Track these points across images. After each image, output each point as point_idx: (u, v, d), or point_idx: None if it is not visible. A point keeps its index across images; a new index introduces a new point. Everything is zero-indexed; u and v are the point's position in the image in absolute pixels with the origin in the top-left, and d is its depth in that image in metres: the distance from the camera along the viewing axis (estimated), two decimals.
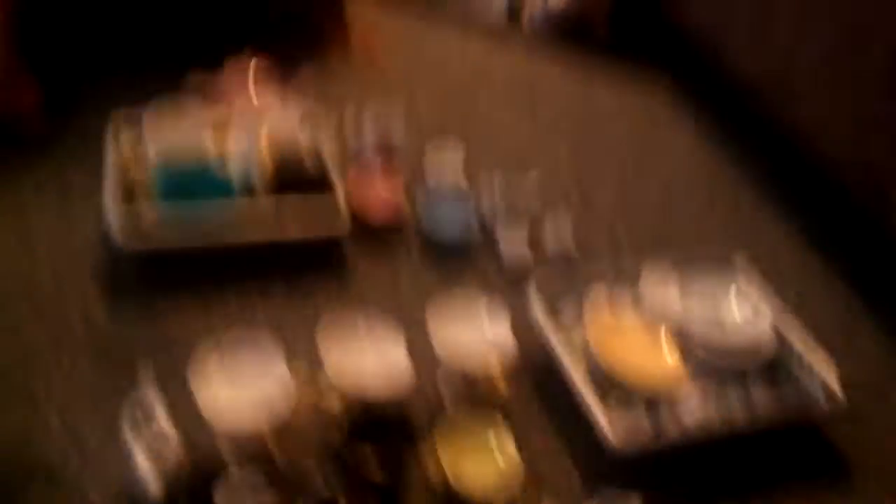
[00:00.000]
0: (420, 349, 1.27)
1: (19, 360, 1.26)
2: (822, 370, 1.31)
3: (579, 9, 2.26)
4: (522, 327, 1.33)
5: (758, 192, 1.84)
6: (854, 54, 1.53)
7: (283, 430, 1.15)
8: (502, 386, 1.29)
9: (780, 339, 1.35)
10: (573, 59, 2.22)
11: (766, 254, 1.65)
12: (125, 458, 1.08)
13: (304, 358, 1.23)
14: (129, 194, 1.46)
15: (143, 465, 1.06)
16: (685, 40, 2.10)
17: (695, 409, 1.26)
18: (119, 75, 1.81)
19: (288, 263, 1.48)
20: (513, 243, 1.56)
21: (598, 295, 1.39)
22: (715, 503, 1.22)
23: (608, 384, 1.26)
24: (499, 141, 1.88)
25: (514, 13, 2.39)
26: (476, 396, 1.28)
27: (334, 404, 1.18)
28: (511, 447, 1.18)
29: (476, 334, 1.26)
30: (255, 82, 1.64)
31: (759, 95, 1.85)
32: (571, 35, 2.28)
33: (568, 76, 2.17)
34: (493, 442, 1.19)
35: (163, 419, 1.11)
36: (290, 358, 1.17)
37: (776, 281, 1.52)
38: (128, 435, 1.08)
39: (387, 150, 1.69)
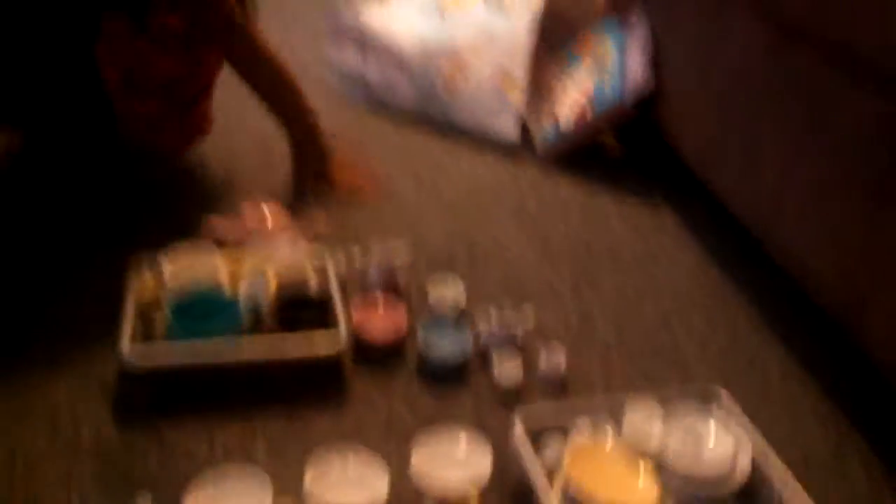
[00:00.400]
0: (404, 480, 1.36)
1: (35, 485, 1.36)
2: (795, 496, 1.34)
3: (591, 132, 2.36)
4: (506, 453, 1.40)
5: (756, 319, 1.89)
6: (838, 190, 1.60)
7: None
8: None
9: (757, 471, 1.39)
10: (581, 184, 2.33)
11: (759, 382, 1.71)
12: None
13: (296, 485, 1.31)
14: (145, 326, 1.61)
15: None
16: (685, 167, 2.18)
17: None
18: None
19: (290, 389, 1.57)
20: (506, 369, 1.63)
21: (582, 426, 1.45)
22: None
23: None
24: (502, 270, 1.97)
25: (526, 135, 2.49)
26: None
27: None
28: None
29: (457, 465, 1.34)
30: (267, 225, 1.77)
31: (750, 224, 1.92)
32: (583, 155, 2.39)
33: (575, 201, 2.26)
34: None
35: None
36: (278, 492, 1.25)
37: (765, 411, 1.58)
38: None
39: (391, 282, 1.80)
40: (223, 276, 1.67)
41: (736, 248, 2.11)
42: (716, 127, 2.00)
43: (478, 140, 2.49)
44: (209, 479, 1.25)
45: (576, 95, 2.41)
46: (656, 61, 2.23)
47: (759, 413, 1.58)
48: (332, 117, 2.27)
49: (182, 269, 1.65)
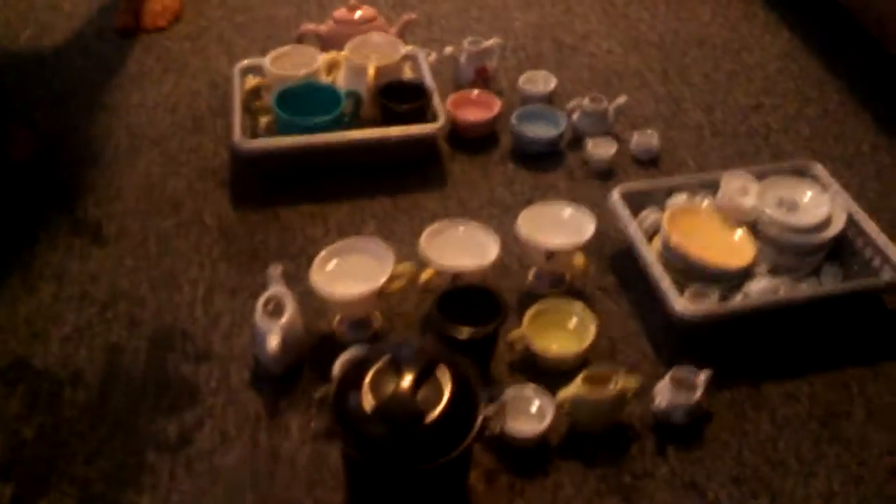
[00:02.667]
0: (513, 246, 1.44)
1: (170, 260, 1.48)
2: (887, 248, 1.38)
3: None
4: (604, 221, 1.47)
5: (845, 96, 1.89)
6: None
7: (388, 310, 1.34)
8: (583, 272, 1.43)
9: (850, 222, 1.43)
10: None
11: (851, 155, 1.73)
12: (258, 339, 1.27)
13: (410, 257, 1.40)
14: (252, 121, 1.68)
15: (274, 345, 1.24)
16: None
17: (763, 285, 1.35)
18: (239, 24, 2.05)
19: (394, 173, 1.65)
20: (599, 148, 1.67)
21: (678, 198, 1.50)
22: (783, 375, 1.33)
23: (681, 263, 1.37)
24: (590, 62, 1.98)
25: None
26: (559, 282, 1.43)
27: (432, 282, 1.35)
28: (591, 327, 1.32)
29: (562, 229, 1.40)
30: (362, 27, 1.79)
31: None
32: None
33: None
34: (574, 320, 1.34)
35: (291, 309, 1.29)
36: (399, 257, 1.34)
37: (856, 180, 1.61)
38: (261, 321, 1.26)
39: (483, 76, 1.83)
40: (322, 69, 1.72)
41: (826, 31, 2.08)
42: None
43: None
44: (332, 251, 1.34)
45: None
46: None
47: (851, 183, 1.61)
48: None
49: (283, 65, 1.70)
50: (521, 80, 1.83)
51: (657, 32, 2.09)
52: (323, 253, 1.34)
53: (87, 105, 1.81)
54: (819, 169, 1.53)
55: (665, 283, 1.33)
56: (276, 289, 1.31)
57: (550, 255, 1.38)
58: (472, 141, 1.73)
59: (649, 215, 1.48)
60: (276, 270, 1.33)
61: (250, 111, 1.70)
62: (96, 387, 1.28)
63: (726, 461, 1.22)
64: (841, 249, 1.45)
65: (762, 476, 1.20)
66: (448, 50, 1.85)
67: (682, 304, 1.30)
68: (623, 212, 1.45)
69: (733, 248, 1.41)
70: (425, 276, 1.35)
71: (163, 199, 1.59)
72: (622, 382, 1.21)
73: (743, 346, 1.36)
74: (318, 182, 1.63)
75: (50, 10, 2.10)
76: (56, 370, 1.30)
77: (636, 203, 1.49)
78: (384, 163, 1.66)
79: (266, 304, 1.28)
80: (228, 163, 1.67)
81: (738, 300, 1.35)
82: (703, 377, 1.24)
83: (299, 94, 1.64)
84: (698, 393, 1.23)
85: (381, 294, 1.31)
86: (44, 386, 1.28)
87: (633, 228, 1.42)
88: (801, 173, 1.53)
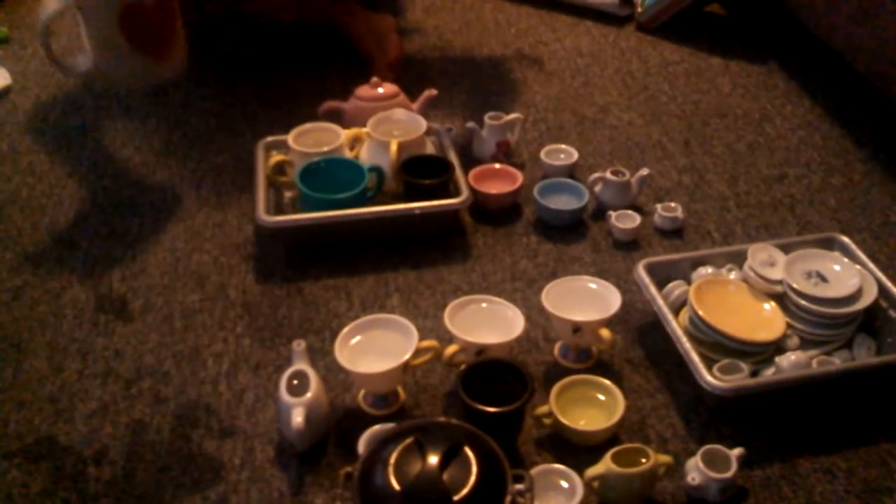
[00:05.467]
0: (538, 318, 1.43)
1: (194, 335, 1.47)
2: None
3: None
4: (629, 296, 1.46)
5: (871, 166, 1.88)
6: None
7: (413, 387, 1.33)
8: (609, 348, 1.41)
9: (881, 293, 1.42)
10: (685, 48, 2.32)
11: (878, 226, 1.71)
12: (283, 416, 1.26)
13: (433, 332, 1.40)
14: (276, 196, 1.71)
15: (299, 421, 1.23)
16: (795, 16, 2.14)
17: (795, 359, 1.33)
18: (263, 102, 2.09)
19: (418, 247, 1.65)
20: (623, 221, 1.67)
21: (703, 271, 1.49)
22: (818, 450, 1.30)
23: (709, 337, 1.35)
24: (611, 135, 1.99)
25: (628, 6, 2.47)
26: (586, 358, 1.42)
27: (457, 357, 1.34)
28: (618, 405, 1.29)
29: (587, 303, 1.40)
30: (384, 103, 1.82)
31: (863, 70, 1.88)
32: (686, 21, 2.37)
33: (680, 64, 2.25)
34: (602, 394, 1.32)
35: (315, 385, 1.28)
36: (422, 333, 1.33)
37: (884, 253, 1.60)
38: (286, 397, 1.25)
39: (505, 150, 1.84)
40: (345, 145, 1.74)
41: (848, 100, 2.09)
42: None
43: (579, 12, 2.48)
44: (356, 327, 1.33)
45: None
46: None
47: (879, 254, 1.60)
48: None
49: (306, 142, 1.73)
50: (543, 153, 1.84)
51: (678, 104, 2.11)
52: (347, 328, 1.34)
53: (112, 181, 1.83)
54: (845, 241, 1.52)
55: (694, 357, 1.32)
56: (301, 365, 1.30)
57: (577, 328, 1.37)
58: (495, 214, 1.74)
59: (675, 288, 1.47)
60: (299, 346, 1.33)
61: (274, 186, 1.72)
62: (121, 463, 1.27)
63: None
64: (873, 321, 1.43)
65: None
66: (469, 124, 1.87)
67: (711, 378, 1.28)
68: (649, 285, 1.44)
69: (763, 321, 1.39)
70: (450, 351, 1.34)
71: (188, 273, 1.60)
72: (653, 459, 1.18)
73: (776, 421, 1.33)
74: (341, 256, 1.63)
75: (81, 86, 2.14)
76: (81, 447, 1.29)
77: (661, 274, 1.48)
78: (408, 236, 1.67)
79: (290, 380, 1.27)
80: (252, 237, 1.68)
81: (769, 374, 1.33)
82: (736, 454, 1.22)
83: (323, 170, 1.66)
84: (732, 470, 1.20)
85: (405, 369, 1.31)
86: (68, 462, 1.27)
87: (660, 303, 1.41)
88: (828, 245, 1.52)
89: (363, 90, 1.87)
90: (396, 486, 1.03)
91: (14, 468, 1.26)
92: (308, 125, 1.77)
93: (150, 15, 1.71)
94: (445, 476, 1.03)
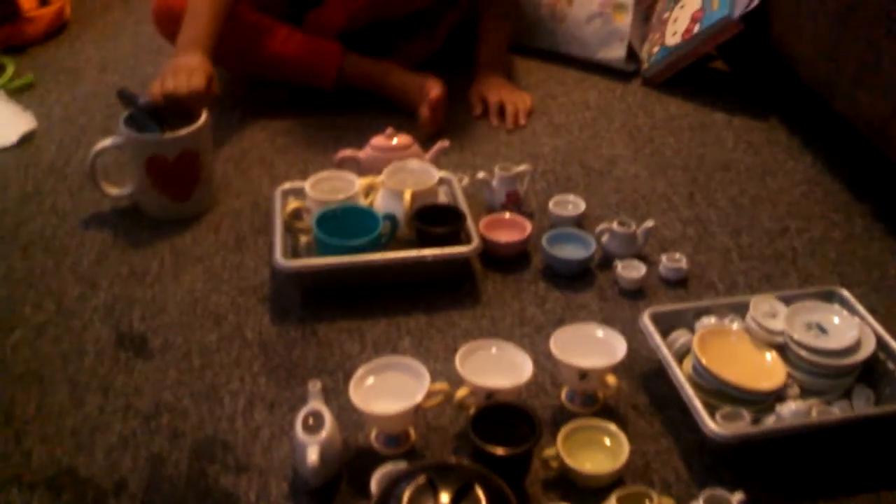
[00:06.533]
0: (545, 363, 1.48)
1: (212, 373, 1.52)
2: None
3: (699, 46, 2.39)
4: (634, 343, 1.51)
5: (871, 224, 1.93)
6: None
7: (423, 428, 1.37)
8: (615, 393, 1.45)
9: (879, 346, 1.46)
10: (690, 102, 2.38)
11: (877, 281, 1.76)
12: (298, 453, 1.29)
13: (444, 376, 1.44)
14: (293, 241, 1.77)
15: (314, 458, 1.27)
16: (796, 79, 2.21)
17: (795, 408, 1.37)
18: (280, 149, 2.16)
19: (429, 293, 1.70)
20: (629, 270, 1.72)
21: (707, 320, 1.53)
22: (817, 497, 1.33)
23: (712, 385, 1.39)
24: (618, 186, 2.05)
25: (634, 61, 2.54)
26: (592, 402, 1.46)
27: (467, 400, 1.38)
28: (623, 448, 1.33)
29: (593, 350, 1.44)
30: (398, 153, 1.88)
31: (865, 130, 1.94)
32: (692, 76, 2.44)
33: (685, 118, 2.32)
34: (608, 439, 1.36)
35: (329, 424, 1.32)
36: (433, 376, 1.38)
37: (885, 308, 1.64)
38: (301, 435, 1.29)
39: (515, 200, 1.90)
40: (360, 193, 1.79)
41: (849, 156, 2.15)
42: (831, 33, 2.01)
43: (585, 67, 2.56)
44: (370, 369, 1.38)
45: (685, 21, 2.44)
46: None
47: (878, 307, 1.64)
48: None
49: (322, 189, 1.78)
50: (552, 203, 1.90)
51: (682, 157, 2.17)
52: (361, 370, 1.38)
53: (133, 222, 1.89)
54: (845, 294, 1.57)
55: (697, 403, 1.36)
56: (316, 404, 1.34)
57: (583, 374, 1.41)
58: (505, 261, 1.79)
59: (679, 337, 1.51)
60: (315, 386, 1.37)
61: (291, 231, 1.77)
62: (140, 496, 1.31)
63: None
64: (872, 373, 1.47)
65: None
66: (480, 175, 1.93)
67: (714, 425, 1.32)
68: (654, 334, 1.49)
69: (764, 371, 1.43)
70: (460, 394, 1.38)
71: (206, 314, 1.65)
72: (656, 502, 1.22)
73: (776, 468, 1.37)
74: (355, 300, 1.68)
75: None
76: (101, 479, 1.33)
77: (666, 323, 1.53)
78: (419, 282, 1.72)
79: (306, 418, 1.31)
80: (269, 280, 1.73)
81: (770, 422, 1.37)
82: (737, 499, 1.25)
83: (338, 217, 1.71)
84: None
85: (417, 410, 1.35)
86: (89, 494, 1.31)
87: (664, 352, 1.45)
88: (828, 298, 1.57)
89: (378, 140, 1.93)
90: None
91: (36, 500, 1.30)
92: (324, 173, 1.83)
93: (173, 165, 1.85)
94: None
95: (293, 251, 1.75)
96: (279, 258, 1.65)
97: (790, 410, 1.37)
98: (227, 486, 1.32)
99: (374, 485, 1.27)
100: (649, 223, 1.81)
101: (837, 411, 1.40)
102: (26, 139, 2.20)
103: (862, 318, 1.51)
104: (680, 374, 1.41)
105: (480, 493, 1.10)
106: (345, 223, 1.70)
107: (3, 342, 1.58)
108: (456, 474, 1.14)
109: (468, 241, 1.73)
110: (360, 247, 1.66)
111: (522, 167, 1.93)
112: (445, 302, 1.69)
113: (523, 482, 1.32)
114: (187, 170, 1.88)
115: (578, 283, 1.74)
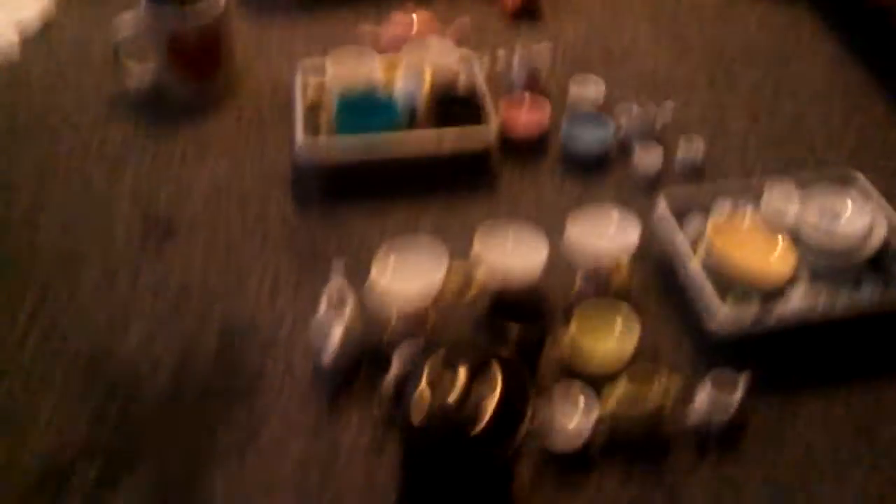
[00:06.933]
0: (560, 249, 1.51)
1: (237, 256, 1.57)
2: None
3: None
4: (650, 228, 1.54)
5: (891, 108, 1.92)
6: None
7: (442, 308, 1.42)
8: (628, 277, 1.49)
9: (891, 232, 1.48)
10: None
11: (895, 169, 1.76)
12: (321, 330, 1.35)
13: (462, 258, 1.48)
14: (313, 123, 1.76)
15: (337, 336, 1.32)
16: None
17: (803, 292, 1.40)
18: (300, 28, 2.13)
19: (447, 179, 1.72)
20: (646, 157, 1.73)
21: (722, 207, 1.55)
22: (821, 381, 1.38)
23: (723, 272, 1.43)
24: (639, 70, 2.03)
25: None
26: (605, 286, 1.49)
27: (484, 287, 1.42)
28: (635, 330, 1.38)
29: (608, 234, 1.47)
30: (418, 31, 1.87)
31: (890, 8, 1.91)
32: None
33: (709, 4, 2.28)
34: (619, 325, 1.41)
35: (351, 302, 1.37)
36: (452, 257, 1.41)
37: None
38: (324, 313, 1.35)
39: (534, 82, 1.89)
40: (381, 77, 1.79)
41: (874, 41, 2.11)
42: None
43: None
44: (392, 247, 1.41)
45: None
46: None
47: (894, 194, 1.65)
48: None
49: (344, 70, 1.79)
50: (572, 83, 1.89)
51: (705, 40, 2.14)
52: (382, 250, 1.42)
53: (156, 111, 1.91)
54: (861, 179, 1.58)
55: (707, 290, 1.39)
56: (339, 281, 1.39)
57: (597, 259, 1.44)
58: (523, 147, 1.80)
59: (693, 221, 1.54)
60: (338, 264, 1.41)
61: (313, 111, 1.77)
62: (174, 375, 1.37)
63: (763, 463, 1.28)
64: (882, 260, 1.49)
65: (799, 477, 1.26)
66: (500, 53, 1.91)
67: (723, 311, 1.36)
68: (669, 219, 1.51)
69: (776, 258, 1.46)
70: (479, 273, 1.42)
71: (230, 198, 1.68)
72: (665, 380, 1.27)
73: (782, 353, 1.41)
74: (375, 185, 1.71)
75: None
76: (138, 360, 1.40)
77: (681, 208, 1.55)
78: (438, 165, 1.73)
79: (330, 295, 1.36)
80: (291, 166, 1.75)
81: (777, 310, 1.40)
82: (742, 380, 1.30)
83: (359, 105, 1.72)
84: (738, 395, 1.29)
85: (436, 290, 1.38)
86: (124, 373, 1.38)
87: (679, 238, 1.48)
88: (844, 182, 1.58)
89: (398, 17, 1.92)
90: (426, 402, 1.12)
91: (79, 381, 1.37)
92: (345, 48, 1.83)
93: (194, 43, 1.85)
94: (472, 390, 1.12)
95: (315, 132, 1.75)
96: (300, 138, 1.67)
97: (798, 295, 1.40)
98: (255, 365, 1.39)
99: (396, 362, 1.33)
100: (669, 104, 1.81)
101: (844, 297, 1.43)
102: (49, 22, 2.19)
103: (877, 202, 1.52)
104: (692, 261, 1.44)
105: (497, 369, 1.15)
106: (365, 111, 1.71)
107: (35, 223, 1.63)
108: (474, 351, 1.18)
109: (487, 122, 1.73)
110: (380, 125, 1.68)
111: (542, 45, 1.91)
112: (464, 187, 1.71)
113: (537, 362, 1.37)
114: (209, 47, 1.87)
115: (596, 170, 1.75)
